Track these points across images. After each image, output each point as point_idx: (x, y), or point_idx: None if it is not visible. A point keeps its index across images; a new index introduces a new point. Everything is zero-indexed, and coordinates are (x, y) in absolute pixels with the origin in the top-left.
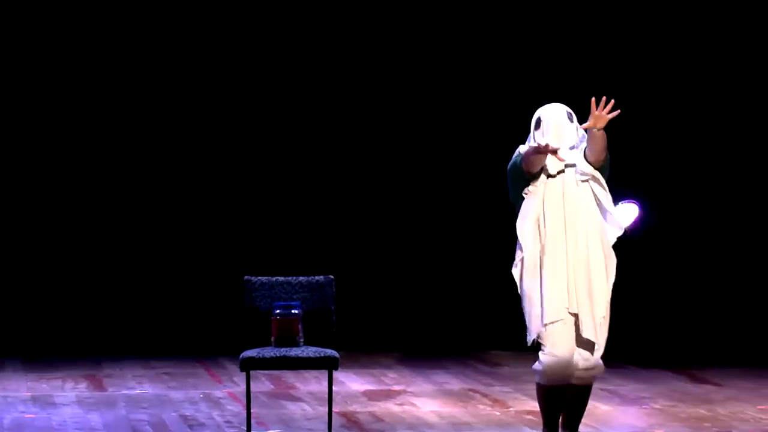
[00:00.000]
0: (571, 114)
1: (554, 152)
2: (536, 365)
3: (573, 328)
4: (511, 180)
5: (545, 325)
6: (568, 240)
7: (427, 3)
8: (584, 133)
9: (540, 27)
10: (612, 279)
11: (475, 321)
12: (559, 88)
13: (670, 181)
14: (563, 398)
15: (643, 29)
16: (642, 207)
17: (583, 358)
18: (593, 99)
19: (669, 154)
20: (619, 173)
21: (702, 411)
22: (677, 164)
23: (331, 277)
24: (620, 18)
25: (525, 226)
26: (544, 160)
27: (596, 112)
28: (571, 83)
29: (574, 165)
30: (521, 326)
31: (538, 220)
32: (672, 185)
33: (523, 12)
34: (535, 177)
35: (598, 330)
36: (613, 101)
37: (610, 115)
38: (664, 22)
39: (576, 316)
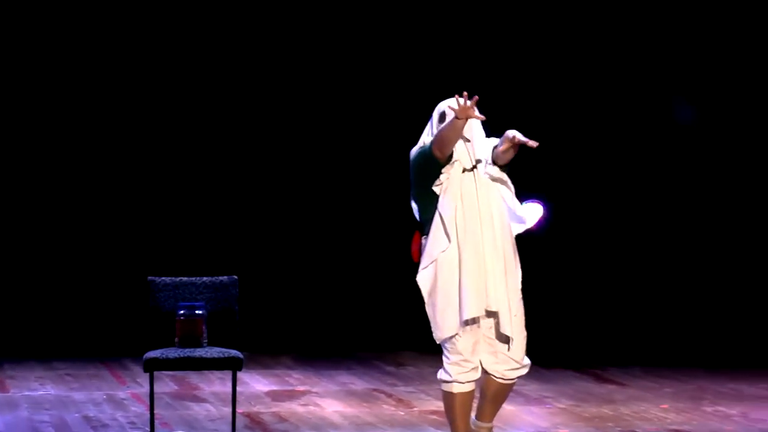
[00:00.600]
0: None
1: (472, 114)
2: (444, 375)
3: (477, 333)
4: (417, 171)
5: (465, 322)
6: (485, 236)
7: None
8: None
9: (432, 27)
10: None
11: (380, 321)
12: (446, 88)
13: (570, 181)
14: (472, 401)
15: (539, 32)
16: (545, 207)
17: (507, 357)
18: (465, 93)
19: (569, 155)
20: (523, 174)
21: (605, 410)
22: (576, 165)
23: (235, 277)
24: (514, 17)
25: (446, 221)
26: (459, 136)
27: (461, 105)
28: (461, 82)
29: (481, 161)
30: (425, 326)
31: (456, 215)
32: (573, 186)
33: (414, 12)
34: (446, 164)
35: (516, 326)
36: (476, 98)
37: (477, 116)
38: (557, 24)
39: (495, 314)
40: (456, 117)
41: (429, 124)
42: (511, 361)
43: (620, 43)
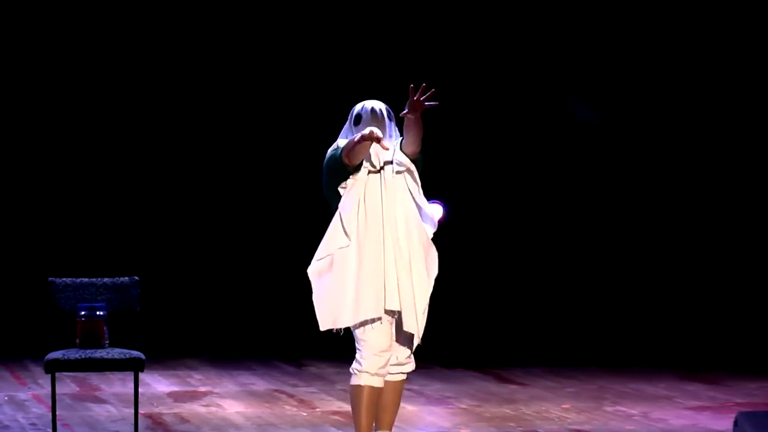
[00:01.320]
0: (390, 111)
1: (378, 140)
2: (355, 366)
3: (389, 327)
4: (328, 174)
5: (361, 323)
6: (387, 235)
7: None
8: (400, 135)
9: (350, 24)
10: (434, 273)
11: (281, 321)
12: (363, 87)
13: (471, 180)
14: (377, 400)
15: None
16: (444, 207)
17: (401, 355)
18: (411, 86)
19: (477, 152)
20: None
21: (507, 410)
22: (479, 163)
23: (136, 278)
24: (430, 15)
25: (344, 219)
26: (368, 150)
27: (414, 99)
28: (382, 82)
29: (392, 162)
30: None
31: (357, 214)
32: (472, 184)
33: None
34: (355, 170)
35: (419, 324)
36: (433, 90)
37: (428, 104)
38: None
39: (398, 313)
40: (364, 139)
41: (347, 124)
42: (402, 358)
43: (546, 42)
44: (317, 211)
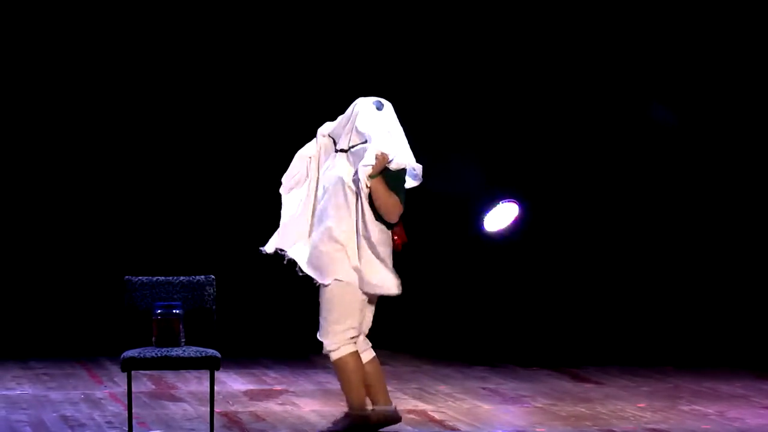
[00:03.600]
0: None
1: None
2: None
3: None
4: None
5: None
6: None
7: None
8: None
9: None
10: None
11: None
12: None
13: (549, 181)
14: None
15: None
16: (521, 206)
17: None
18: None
19: (549, 155)
20: (498, 173)
21: (582, 409)
22: (555, 165)
23: (212, 276)
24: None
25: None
26: None
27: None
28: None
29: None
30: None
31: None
32: (552, 185)
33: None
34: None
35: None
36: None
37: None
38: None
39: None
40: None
41: (348, 116)
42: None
43: (608, 41)
44: None
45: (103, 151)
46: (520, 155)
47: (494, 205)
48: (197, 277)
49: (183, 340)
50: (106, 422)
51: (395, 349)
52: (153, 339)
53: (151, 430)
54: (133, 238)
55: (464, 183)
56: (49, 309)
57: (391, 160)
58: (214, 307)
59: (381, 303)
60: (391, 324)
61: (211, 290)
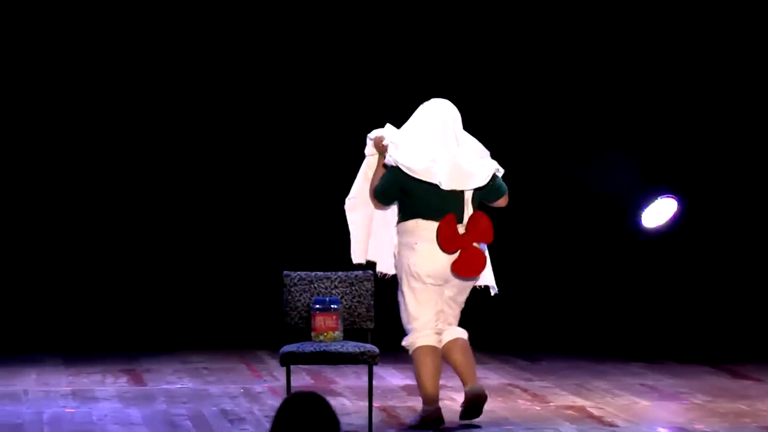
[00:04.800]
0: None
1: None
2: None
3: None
4: None
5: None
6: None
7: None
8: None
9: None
10: None
11: (512, 315)
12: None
13: (705, 177)
14: None
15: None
16: (680, 202)
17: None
18: None
19: (703, 149)
20: (657, 168)
21: (741, 406)
22: (712, 160)
23: (370, 272)
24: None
25: None
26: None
27: None
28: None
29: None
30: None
31: None
32: (714, 180)
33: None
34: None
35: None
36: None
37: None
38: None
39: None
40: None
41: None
42: None
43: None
44: None
45: (264, 149)
46: (679, 150)
47: (653, 201)
48: (355, 272)
49: (341, 335)
50: (266, 416)
51: (552, 345)
52: (312, 333)
53: None
54: (293, 234)
55: (621, 179)
56: (209, 304)
57: (385, 145)
58: (372, 302)
59: (539, 302)
60: (546, 321)
61: (369, 285)
